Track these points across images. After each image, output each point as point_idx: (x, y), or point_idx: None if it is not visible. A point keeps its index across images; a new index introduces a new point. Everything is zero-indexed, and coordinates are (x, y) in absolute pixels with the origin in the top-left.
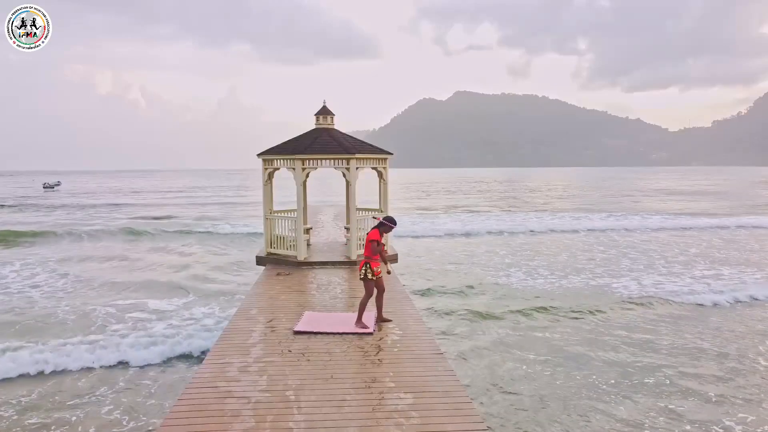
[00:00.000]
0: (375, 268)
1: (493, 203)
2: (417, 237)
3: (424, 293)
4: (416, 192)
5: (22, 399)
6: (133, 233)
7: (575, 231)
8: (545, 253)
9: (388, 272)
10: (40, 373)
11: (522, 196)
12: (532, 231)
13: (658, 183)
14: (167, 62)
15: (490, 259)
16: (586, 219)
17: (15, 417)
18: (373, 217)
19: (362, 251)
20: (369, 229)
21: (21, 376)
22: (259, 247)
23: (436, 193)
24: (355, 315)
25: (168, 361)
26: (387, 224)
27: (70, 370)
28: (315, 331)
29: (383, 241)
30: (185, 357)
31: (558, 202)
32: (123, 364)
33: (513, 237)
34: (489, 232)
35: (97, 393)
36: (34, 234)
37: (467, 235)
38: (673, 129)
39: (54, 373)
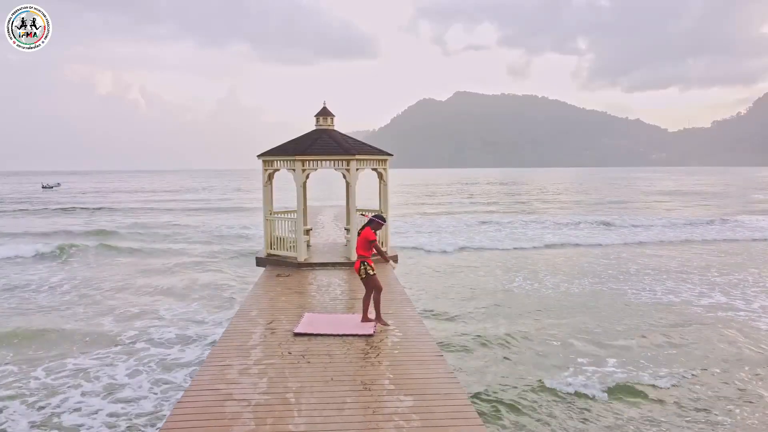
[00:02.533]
0: (371, 265)
1: (516, 208)
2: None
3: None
4: (420, 196)
5: None
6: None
7: (626, 243)
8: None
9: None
10: None
11: (546, 198)
12: (601, 244)
13: (671, 184)
14: (167, 62)
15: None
16: (645, 229)
17: None
18: (362, 215)
19: None
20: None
21: None
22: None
23: (441, 196)
24: (356, 316)
25: None
26: (377, 221)
27: None
28: (315, 332)
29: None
30: None
31: (589, 207)
32: None
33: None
34: (542, 246)
35: None
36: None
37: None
38: (672, 129)
39: None
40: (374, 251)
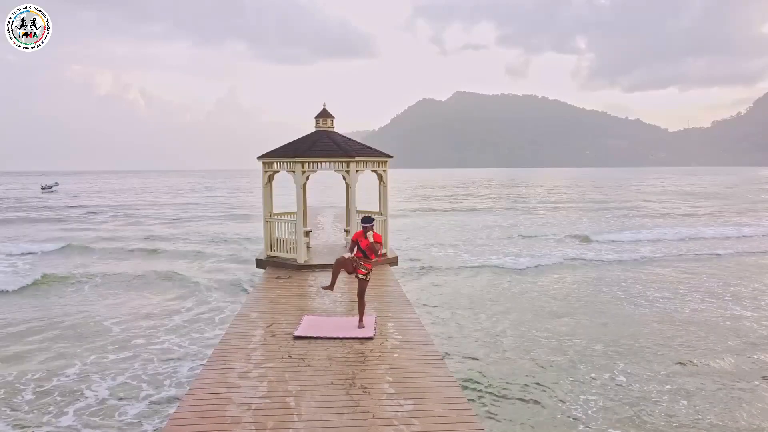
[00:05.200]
0: (371, 270)
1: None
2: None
3: None
4: (426, 199)
5: None
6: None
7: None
8: None
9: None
10: None
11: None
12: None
13: (686, 184)
14: (166, 62)
15: None
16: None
17: None
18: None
19: None
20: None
21: None
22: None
23: (459, 198)
24: (356, 318)
25: None
26: (371, 225)
27: None
28: (315, 336)
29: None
30: None
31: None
32: None
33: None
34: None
35: None
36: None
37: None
38: (672, 129)
39: None
40: (374, 256)
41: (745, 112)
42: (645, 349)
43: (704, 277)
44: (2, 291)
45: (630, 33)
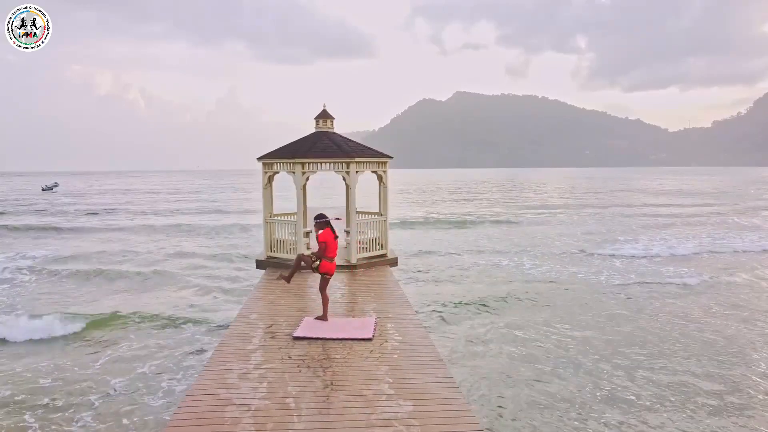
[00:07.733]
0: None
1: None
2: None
3: None
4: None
5: None
6: None
7: None
8: None
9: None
10: None
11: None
12: None
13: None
14: (165, 62)
15: None
16: None
17: None
18: (336, 218)
19: (362, 255)
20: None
21: None
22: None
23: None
24: (355, 320)
25: None
26: (318, 221)
27: None
28: (315, 336)
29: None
30: None
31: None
32: None
33: None
34: None
35: None
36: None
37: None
38: (672, 129)
39: None
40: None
41: (745, 112)
42: None
43: None
44: None
45: (630, 33)
